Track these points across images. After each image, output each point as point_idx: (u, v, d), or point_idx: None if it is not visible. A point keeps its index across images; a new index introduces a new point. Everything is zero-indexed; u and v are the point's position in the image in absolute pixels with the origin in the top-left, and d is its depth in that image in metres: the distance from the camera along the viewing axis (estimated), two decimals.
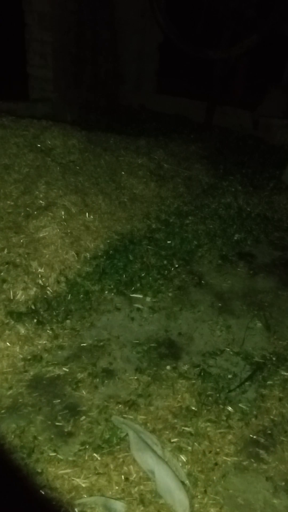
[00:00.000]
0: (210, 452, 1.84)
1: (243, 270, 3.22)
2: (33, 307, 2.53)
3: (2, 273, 2.64)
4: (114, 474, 1.71)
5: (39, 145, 3.95)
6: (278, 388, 2.20)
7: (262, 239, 3.68)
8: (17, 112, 4.89)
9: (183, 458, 1.80)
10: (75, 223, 3.20)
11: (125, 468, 1.73)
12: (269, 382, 2.23)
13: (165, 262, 3.13)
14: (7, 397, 1.99)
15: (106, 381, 2.14)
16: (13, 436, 1.82)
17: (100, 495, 1.63)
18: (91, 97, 6.59)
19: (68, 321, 2.49)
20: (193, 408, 2.03)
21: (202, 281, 3.02)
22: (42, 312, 2.51)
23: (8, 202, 3.23)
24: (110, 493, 1.65)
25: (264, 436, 1.95)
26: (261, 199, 4.31)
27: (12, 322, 2.39)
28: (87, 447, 1.80)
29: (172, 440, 1.87)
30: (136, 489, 1.67)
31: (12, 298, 2.54)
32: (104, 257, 3.03)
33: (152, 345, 2.41)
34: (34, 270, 2.73)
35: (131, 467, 1.74)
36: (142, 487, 1.68)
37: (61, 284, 2.73)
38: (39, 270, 2.74)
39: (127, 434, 1.85)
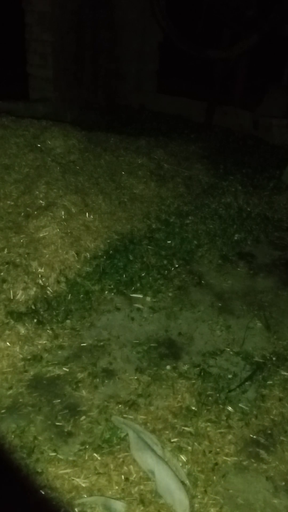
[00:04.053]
0: (210, 452, 1.84)
1: (243, 270, 3.22)
2: (33, 307, 2.53)
3: (2, 273, 2.64)
4: (114, 474, 1.71)
5: (39, 145, 3.95)
6: (278, 388, 2.20)
7: (262, 239, 3.68)
8: (17, 112, 4.89)
9: (183, 458, 1.80)
10: (75, 223, 3.20)
11: (125, 468, 1.73)
12: (269, 382, 2.23)
13: (165, 262, 3.13)
14: (7, 397, 1.99)
15: (106, 381, 2.14)
16: (13, 436, 1.82)
17: (100, 495, 1.63)
18: (91, 97, 6.60)
19: (68, 321, 2.49)
20: (193, 408, 2.03)
21: (202, 281, 3.02)
22: (42, 312, 2.51)
23: (8, 202, 3.24)
24: (110, 493, 1.65)
25: (264, 436, 1.95)
26: (261, 199, 4.30)
27: (12, 322, 2.39)
28: (87, 447, 1.80)
29: (172, 440, 1.87)
30: (136, 489, 1.67)
31: (12, 298, 2.54)
32: (104, 257, 3.03)
33: (152, 345, 2.41)
34: (34, 270, 2.73)
35: (131, 467, 1.74)
36: (142, 487, 1.68)
37: (61, 284, 2.73)
38: (39, 270, 2.74)
39: (127, 434, 1.85)
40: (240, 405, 2.08)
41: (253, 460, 1.84)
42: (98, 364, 2.24)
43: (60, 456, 1.76)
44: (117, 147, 4.58)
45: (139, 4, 6.43)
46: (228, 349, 2.44)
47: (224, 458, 1.83)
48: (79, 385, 2.10)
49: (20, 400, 1.99)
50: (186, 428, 1.93)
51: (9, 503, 1.58)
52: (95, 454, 1.77)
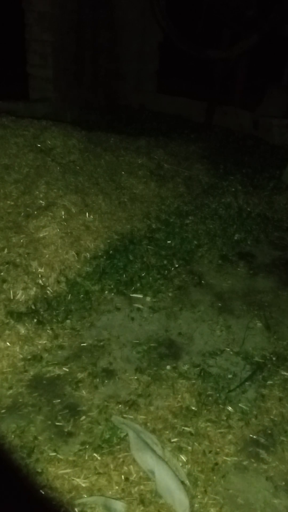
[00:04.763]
0: (210, 452, 1.84)
1: (243, 270, 3.22)
2: (33, 307, 2.53)
3: (2, 273, 2.63)
4: (114, 474, 1.71)
5: (39, 145, 3.95)
6: (278, 388, 2.20)
7: (262, 239, 3.68)
8: (17, 112, 4.89)
9: (183, 458, 1.80)
10: (75, 223, 3.20)
11: (125, 468, 1.73)
12: (269, 382, 2.23)
13: (165, 262, 3.13)
14: (7, 397, 1.99)
15: (106, 381, 2.14)
16: (13, 436, 1.82)
17: (100, 495, 1.63)
18: (91, 97, 6.60)
19: (68, 321, 2.49)
20: (193, 408, 2.03)
21: (202, 281, 3.02)
22: (42, 312, 2.51)
23: (8, 202, 3.23)
24: (110, 493, 1.65)
25: (264, 436, 1.95)
26: (261, 199, 4.31)
27: (12, 322, 2.39)
28: (87, 447, 1.80)
29: (172, 440, 1.87)
30: (136, 489, 1.67)
31: (12, 298, 2.54)
32: (104, 257, 3.03)
33: (152, 345, 2.41)
34: (34, 270, 2.73)
35: (131, 467, 1.74)
36: (142, 487, 1.68)
37: (61, 284, 2.73)
38: (39, 270, 2.74)
39: (127, 434, 1.85)
40: (240, 405, 2.08)
41: (253, 460, 1.84)
42: (98, 364, 2.24)
43: (60, 456, 1.76)
44: (117, 147, 4.58)
45: (139, 4, 6.44)
46: (228, 349, 2.44)
47: (224, 458, 1.83)
48: (79, 385, 2.10)
49: (20, 400, 1.99)
50: (186, 428, 1.93)
51: (9, 503, 1.57)
52: (95, 454, 1.77)
